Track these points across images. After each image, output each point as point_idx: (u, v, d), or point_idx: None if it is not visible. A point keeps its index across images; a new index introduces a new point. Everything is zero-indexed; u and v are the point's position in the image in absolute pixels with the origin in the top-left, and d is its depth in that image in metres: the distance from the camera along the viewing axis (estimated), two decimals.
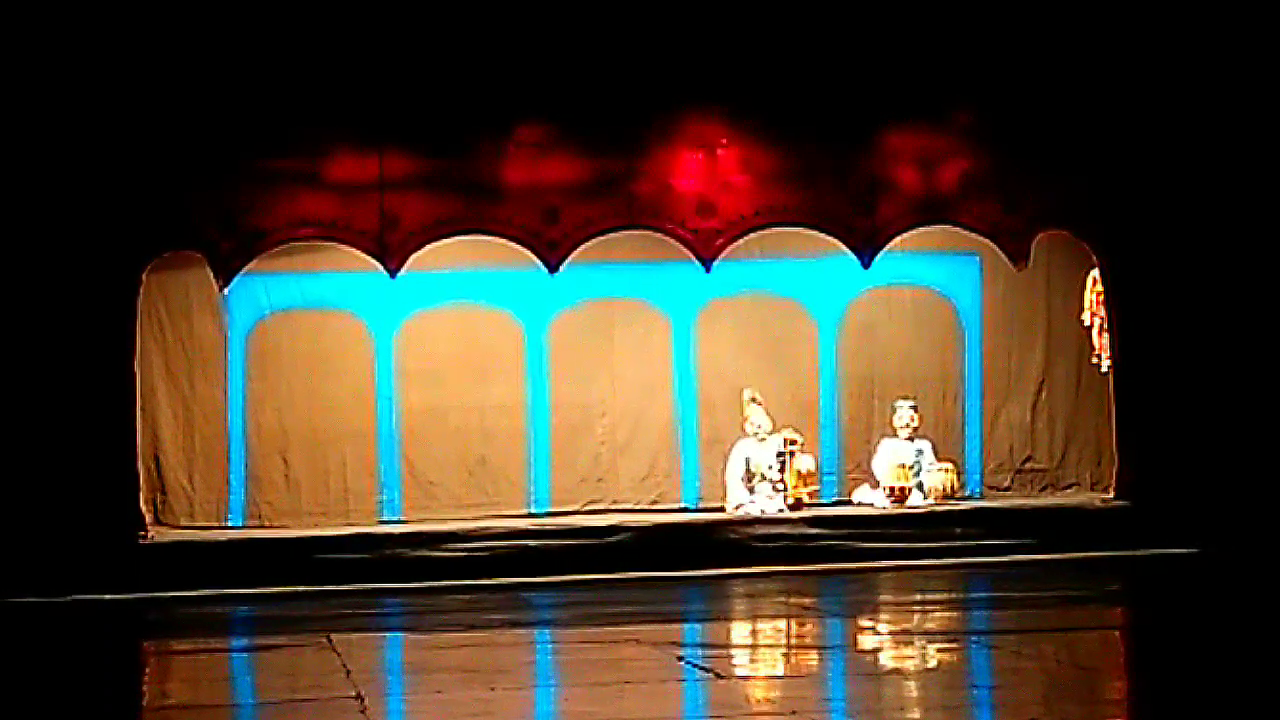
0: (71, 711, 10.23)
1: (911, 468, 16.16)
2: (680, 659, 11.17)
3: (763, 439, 15.89)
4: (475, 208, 15.40)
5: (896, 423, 16.29)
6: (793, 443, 15.85)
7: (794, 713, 9.54)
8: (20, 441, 14.69)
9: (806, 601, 13.94)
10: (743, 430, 16.03)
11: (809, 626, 13.22)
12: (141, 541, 14.86)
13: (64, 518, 14.55)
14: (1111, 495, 15.87)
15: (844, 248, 15.79)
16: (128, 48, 14.80)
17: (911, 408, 16.27)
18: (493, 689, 10.27)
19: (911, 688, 10.34)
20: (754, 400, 16.00)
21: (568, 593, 14.37)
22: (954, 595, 14.21)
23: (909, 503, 15.99)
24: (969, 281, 16.78)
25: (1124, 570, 14.65)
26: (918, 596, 14.03)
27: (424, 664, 11.60)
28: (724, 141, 15.62)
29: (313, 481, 16.05)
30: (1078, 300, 16.29)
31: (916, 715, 9.61)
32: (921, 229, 15.97)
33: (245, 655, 12.27)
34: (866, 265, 15.85)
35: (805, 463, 15.92)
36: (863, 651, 11.88)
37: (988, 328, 16.82)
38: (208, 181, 15.05)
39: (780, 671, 11.22)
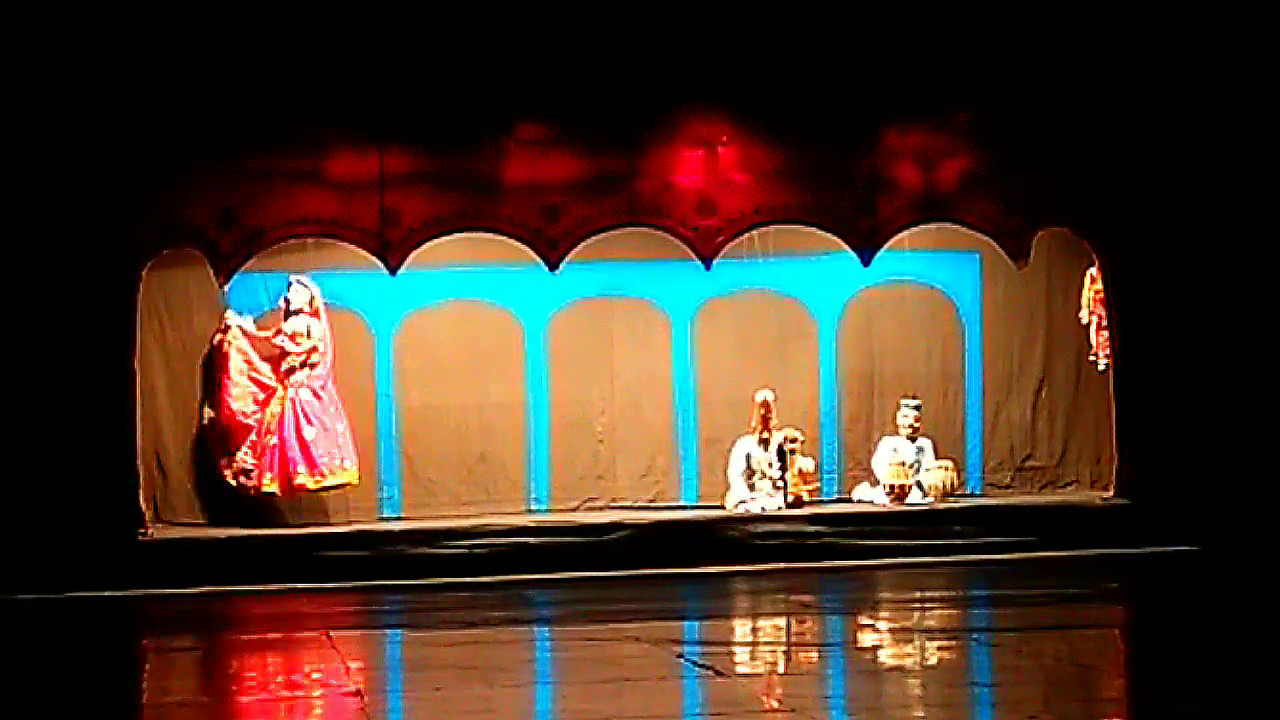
0: (71, 709, 10.23)
1: (912, 466, 16.15)
2: (680, 656, 11.17)
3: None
4: (475, 205, 15.39)
5: (900, 421, 16.28)
6: (793, 441, 15.85)
7: (794, 710, 9.53)
8: (21, 439, 14.69)
9: (806, 599, 13.93)
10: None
11: (808, 624, 13.21)
12: (141, 539, 14.86)
13: (64, 515, 14.56)
14: (1111, 493, 15.86)
15: (844, 246, 15.79)
16: (128, 45, 14.79)
17: (915, 407, 16.27)
18: (492, 686, 10.27)
19: (911, 685, 10.34)
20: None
21: (567, 590, 14.37)
22: (954, 593, 14.20)
23: (909, 500, 15.99)
24: (969, 279, 16.77)
25: (1124, 568, 14.64)
26: (917, 594, 14.02)
27: (423, 661, 11.60)
28: (724, 139, 15.61)
29: None
30: (1078, 298, 16.29)
31: (916, 713, 9.60)
32: (922, 227, 15.97)
33: (245, 652, 12.26)
34: (866, 263, 15.85)
35: (806, 462, 15.94)
36: (862, 649, 11.88)
37: (988, 326, 16.81)
38: (208, 179, 15.05)
39: (780, 669, 11.21)
